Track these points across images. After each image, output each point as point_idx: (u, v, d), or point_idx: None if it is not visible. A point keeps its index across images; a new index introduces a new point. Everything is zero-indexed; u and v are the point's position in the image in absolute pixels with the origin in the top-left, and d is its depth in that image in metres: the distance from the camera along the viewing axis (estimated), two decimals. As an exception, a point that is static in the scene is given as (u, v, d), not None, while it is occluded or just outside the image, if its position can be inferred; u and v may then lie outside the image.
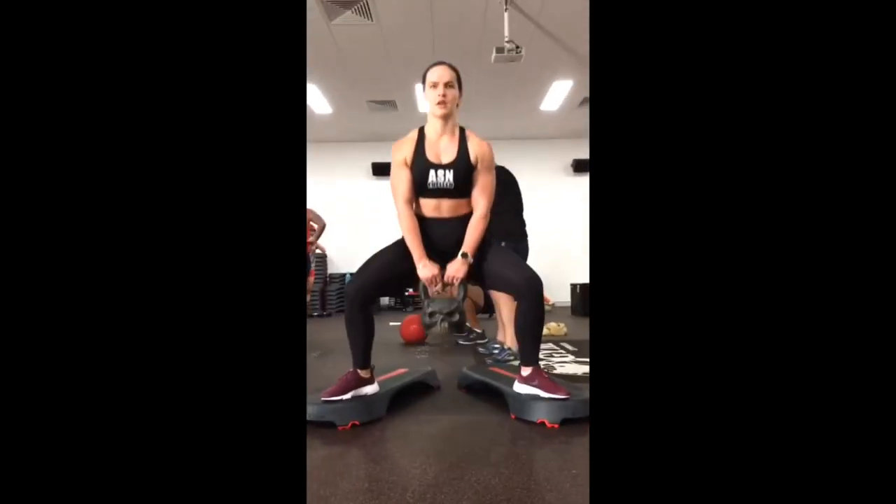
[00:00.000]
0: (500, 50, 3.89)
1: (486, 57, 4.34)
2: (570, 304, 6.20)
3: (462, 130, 1.72)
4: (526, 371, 1.70)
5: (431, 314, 1.63)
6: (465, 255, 1.65)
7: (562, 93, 5.85)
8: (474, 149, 1.68)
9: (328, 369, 2.62)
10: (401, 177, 1.68)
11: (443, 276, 1.66)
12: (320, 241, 4.97)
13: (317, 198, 6.86)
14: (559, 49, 4.71)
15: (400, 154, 1.69)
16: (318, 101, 5.96)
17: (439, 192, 1.67)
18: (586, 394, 1.65)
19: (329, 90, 5.73)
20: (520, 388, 1.70)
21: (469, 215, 1.70)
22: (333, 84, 5.57)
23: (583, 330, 4.24)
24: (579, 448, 1.37)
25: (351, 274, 7.17)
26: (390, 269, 1.69)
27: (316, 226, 4.04)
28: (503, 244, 2.85)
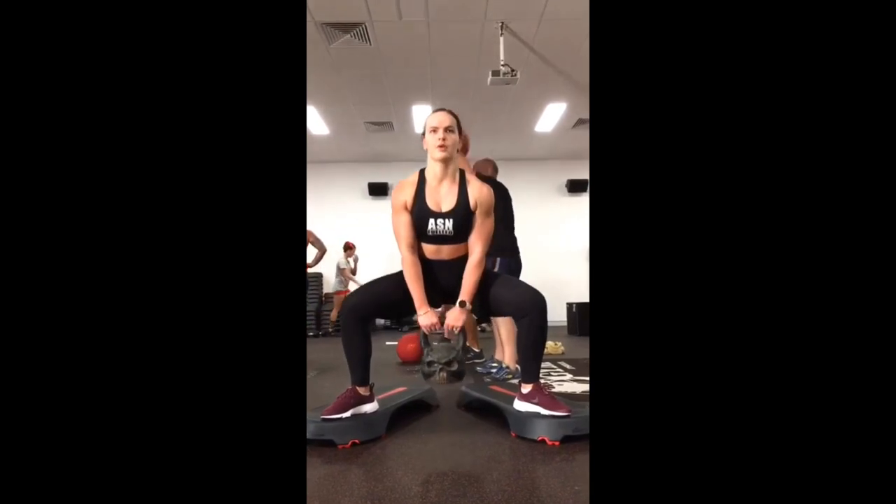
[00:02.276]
0: (495, 73, 3.98)
1: (481, 80, 4.43)
2: (565, 324, 6.20)
3: (462, 174, 1.74)
4: (526, 388, 1.70)
5: (430, 363, 1.65)
6: (462, 304, 1.68)
7: (556, 115, 5.95)
8: (474, 194, 1.69)
9: (326, 389, 2.60)
10: (402, 222, 1.70)
11: (442, 324, 1.68)
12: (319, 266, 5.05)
13: (314, 217, 6.88)
14: (553, 72, 4.81)
15: (400, 198, 1.71)
16: (315, 122, 6.03)
17: (439, 239, 1.70)
18: (587, 411, 1.64)
19: (326, 111, 5.80)
20: (520, 405, 1.70)
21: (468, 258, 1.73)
22: (331, 105, 5.64)
23: (579, 349, 4.24)
24: (581, 465, 1.37)
25: (347, 293, 7.15)
26: (390, 294, 1.72)
27: (316, 249, 4.06)
28: (498, 260, 2.88)
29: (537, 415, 1.64)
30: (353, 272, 6.15)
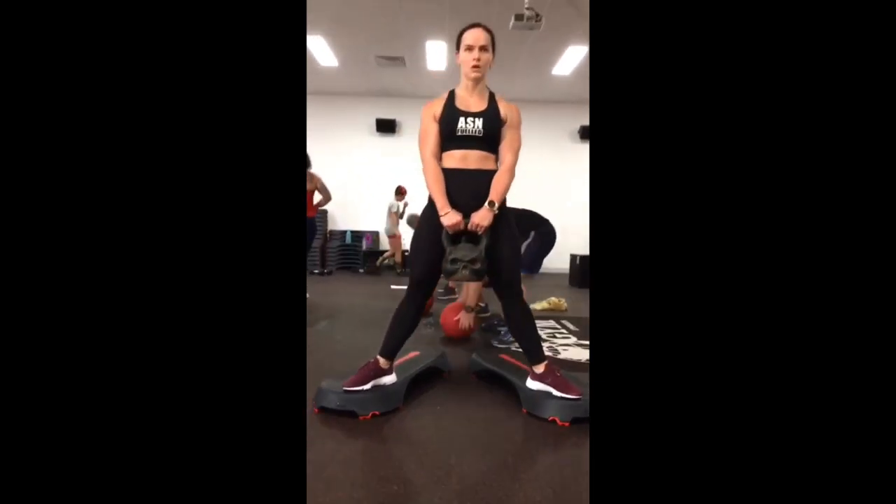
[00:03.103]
0: (518, 17, 3.77)
1: (503, 17, 4.19)
2: (567, 272, 6.28)
3: (492, 93, 1.77)
4: (539, 369, 1.76)
5: (453, 261, 1.67)
6: (491, 204, 1.69)
7: (576, 58, 5.70)
8: (503, 108, 1.74)
9: (339, 343, 2.69)
10: (429, 130, 1.73)
11: (467, 225, 1.70)
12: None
13: (318, 153, 6.79)
14: (576, 14, 4.55)
15: (430, 110, 1.75)
16: (323, 52, 5.77)
17: (468, 141, 1.70)
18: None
19: (336, 42, 5.53)
20: (532, 384, 1.77)
21: (494, 172, 1.74)
22: (341, 37, 5.38)
23: (582, 305, 4.33)
24: (588, 452, 1.45)
25: (352, 232, 7.19)
26: (434, 245, 1.73)
27: (322, 196, 4.03)
28: (532, 233, 2.94)
29: (549, 395, 1.71)
30: (401, 216, 6.27)
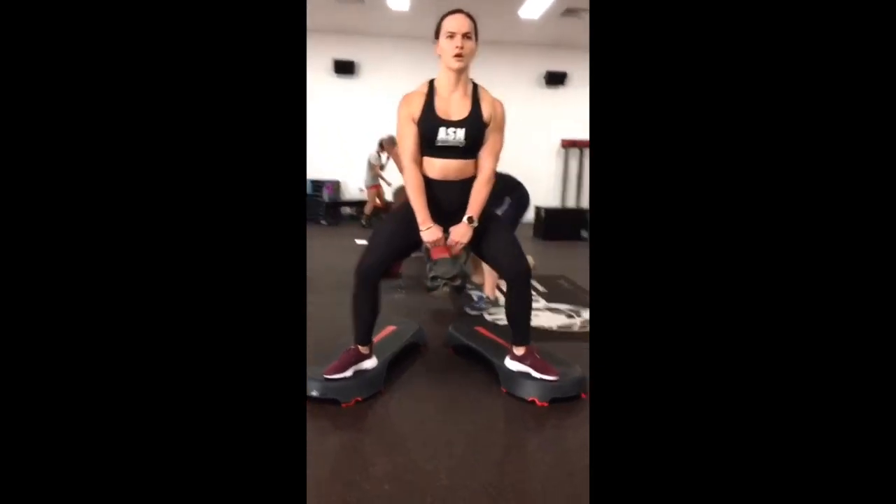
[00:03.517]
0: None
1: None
2: (532, 222, 6.33)
3: (475, 87, 1.68)
4: (519, 351, 1.80)
5: (434, 278, 1.68)
6: (470, 220, 1.67)
7: (545, 1, 5.46)
8: (487, 108, 1.66)
9: (313, 316, 2.64)
10: (408, 133, 1.65)
11: (446, 240, 1.67)
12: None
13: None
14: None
15: (407, 109, 1.64)
16: (275, -13, 5.28)
17: (448, 151, 1.64)
18: (574, 373, 1.78)
19: (288, -24, 5.06)
20: (512, 364, 1.81)
21: (474, 178, 1.69)
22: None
23: (548, 259, 4.41)
24: (571, 434, 1.52)
25: (312, 181, 6.94)
26: (399, 240, 1.71)
27: None
28: (507, 200, 2.86)
29: (528, 376, 1.76)
30: (382, 168, 6.06)
